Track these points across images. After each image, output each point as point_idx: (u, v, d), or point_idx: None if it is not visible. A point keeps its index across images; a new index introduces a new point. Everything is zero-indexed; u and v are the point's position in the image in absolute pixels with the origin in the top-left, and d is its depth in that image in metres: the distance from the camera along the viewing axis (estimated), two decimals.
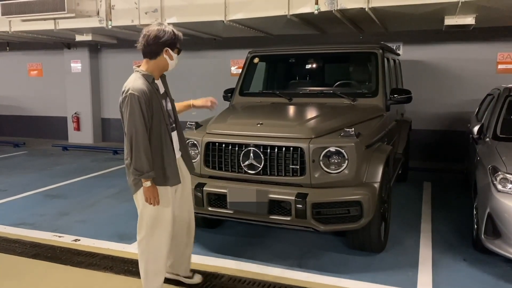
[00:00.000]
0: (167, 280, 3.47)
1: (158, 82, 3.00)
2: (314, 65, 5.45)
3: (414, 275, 3.63)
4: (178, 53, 2.98)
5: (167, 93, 3.09)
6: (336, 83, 5.10)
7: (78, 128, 10.91)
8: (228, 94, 5.40)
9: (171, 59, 2.95)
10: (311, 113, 4.29)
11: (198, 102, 3.45)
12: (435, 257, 3.96)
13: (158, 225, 3.06)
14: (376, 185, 3.66)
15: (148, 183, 2.86)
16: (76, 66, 10.78)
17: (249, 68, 5.39)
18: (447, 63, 7.97)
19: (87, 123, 10.87)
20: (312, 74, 5.54)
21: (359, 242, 3.93)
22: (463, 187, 6.40)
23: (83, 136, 10.88)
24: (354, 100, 4.67)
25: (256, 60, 5.38)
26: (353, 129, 3.64)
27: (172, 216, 3.08)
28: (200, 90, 9.30)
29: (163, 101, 2.99)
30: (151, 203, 2.92)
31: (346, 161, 3.54)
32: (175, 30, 2.93)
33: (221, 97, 6.71)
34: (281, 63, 5.75)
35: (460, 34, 7.59)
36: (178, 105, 3.31)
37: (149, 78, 2.89)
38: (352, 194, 3.52)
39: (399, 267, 3.77)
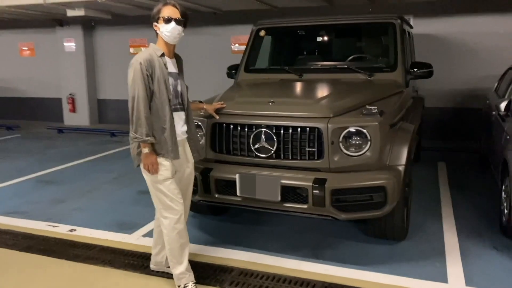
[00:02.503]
0: (157, 274, 3.25)
1: (172, 62, 3.00)
2: (325, 38, 5.05)
3: (442, 266, 3.32)
4: (166, 22, 2.87)
5: (179, 75, 3.03)
6: (350, 58, 4.69)
7: (73, 110, 10.52)
8: (233, 70, 5.00)
9: (159, 30, 2.90)
10: (326, 90, 3.91)
11: (210, 107, 3.52)
12: (462, 245, 3.65)
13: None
14: (401, 168, 3.32)
15: (146, 150, 2.82)
16: (70, 45, 10.31)
17: (255, 42, 4.98)
18: (460, 37, 7.55)
19: (83, 104, 10.47)
20: (323, 48, 5.14)
21: (381, 230, 3.61)
22: (479, 167, 6.08)
23: (79, 118, 10.49)
24: (371, 75, 4.29)
25: (262, 33, 4.96)
26: (376, 106, 3.27)
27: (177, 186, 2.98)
28: (199, 70, 8.89)
29: (171, 79, 2.93)
30: (149, 171, 2.85)
31: (369, 142, 3.19)
32: (165, 1, 2.93)
33: (221, 78, 6.43)
34: (289, 37, 5.33)
35: (474, 4, 7.15)
36: (193, 105, 3.32)
37: (157, 51, 2.90)
38: (375, 179, 3.17)
39: (425, 257, 3.46)
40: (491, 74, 7.11)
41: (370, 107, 3.28)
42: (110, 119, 10.54)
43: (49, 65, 10.81)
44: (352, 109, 3.39)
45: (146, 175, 2.97)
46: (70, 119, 10.57)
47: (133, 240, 3.87)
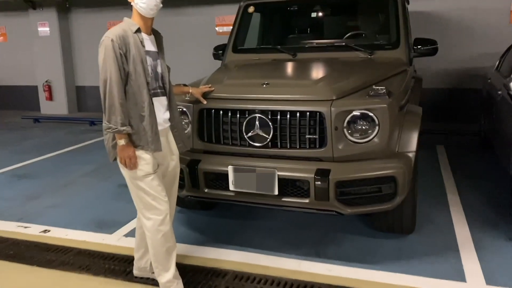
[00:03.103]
0: (141, 281, 2.90)
1: (150, 39, 2.61)
2: (320, 14, 4.64)
3: (457, 262, 3.01)
4: None
5: (158, 54, 2.65)
6: (348, 35, 4.30)
7: (50, 98, 9.95)
8: (219, 51, 4.58)
9: (133, 1, 2.52)
10: (325, 69, 3.53)
11: (197, 91, 3.11)
12: (475, 237, 3.35)
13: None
14: (411, 155, 2.98)
15: (122, 141, 2.45)
16: (44, 29, 9.70)
17: (243, 20, 4.56)
18: (455, 14, 7.20)
19: (60, 92, 9.90)
20: (318, 25, 4.73)
21: (388, 223, 3.29)
22: (480, 150, 5.81)
23: (57, 106, 9.93)
24: (372, 53, 3.92)
25: (251, 9, 4.54)
26: (384, 87, 2.91)
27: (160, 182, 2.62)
28: (180, 54, 8.41)
29: (150, 59, 2.55)
30: (127, 166, 2.49)
31: (377, 127, 2.83)
32: None
33: (205, 62, 6.02)
34: (280, 13, 4.90)
35: None
36: (176, 88, 2.97)
37: (132, 26, 2.52)
38: (384, 168, 2.83)
39: (437, 252, 3.15)
40: (489, 52, 6.81)
41: (377, 87, 2.92)
42: (89, 107, 10.01)
43: (22, 51, 10.20)
44: (356, 90, 3.02)
45: (123, 171, 2.58)
46: (47, 108, 10.01)
47: (114, 241, 3.48)
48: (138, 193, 2.57)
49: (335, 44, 4.20)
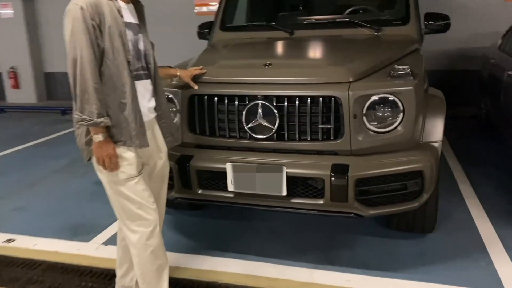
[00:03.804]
0: None
1: (129, 8, 2.11)
2: None
3: (488, 265, 2.66)
4: None
5: (140, 27, 2.15)
6: (350, 9, 3.84)
7: (16, 86, 9.17)
8: (205, 29, 4.06)
9: None
10: (334, 48, 3.09)
11: (186, 74, 2.62)
12: (500, 234, 3.00)
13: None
14: (437, 146, 2.58)
15: (99, 137, 1.95)
16: (6, 11, 8.89)
17: None
18: None
19: (28, 79, 9.13)
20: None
21: (407, 222, 2.90)
22: (481, 134, 5.50)
23: (24, 94, 9.17)
24: (378, 29, 3.47)
25: None
26: (407, 66, 2.49)
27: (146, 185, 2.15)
28: (155, 35, 7.80)
29: (130, 33, 2.06)
30: (106, 168, 2.00)
31: (401, 114, 2.41)
32: None
33: (183, 44, 5.47)
34: None
35: None
36: (162, 71, 2.44)
37: None
38: (410, 162, 2.42)
39: (463, 254, 2.79)
40: (486, 32, 6.49)
41: (399, 66, 2.49)
42: (60, 94, 9.28)
43: None
44: (374, 71, 2.58)
45: (101, 174, 2.09)
46: (13, 97, 9.23)
47: (92, 251, 3.00)
48: (120, 201, 2.09)
49: (337, 20, 3.73)
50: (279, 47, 3.28)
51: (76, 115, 1.92)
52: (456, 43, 6.90)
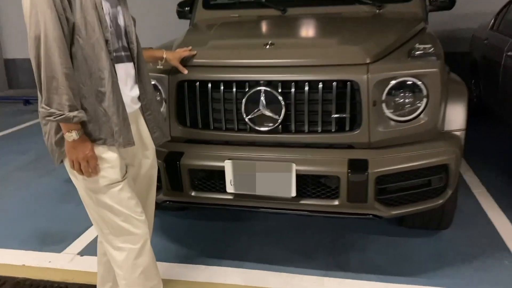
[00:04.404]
0: None
1: None
2: None
3: None
4: None
5: (120, 1, 1.75)
6: None
7: None
8: (186, 8, 3.64)
9: None
10: (337, 26, 2.73)
11: (173, 56, 2.22)
12: None
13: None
14: (461, 135, 2.31)
15: (73, 135, 1.56)
16: None
17: None
18: None
19: None
20: None
21: (423, 219, 2.62)
22: (471, 117, 5.31)
23: None
24: (380, 6, 3.15)
25: None
26: (430, 45, 2.18)
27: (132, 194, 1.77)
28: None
29: (107, 5, 1.66)
30: (83, 173, 1.63)
31: (425, 100, 2.11)
32: None
33: (161, 25, 5.05)
34: None
35: None
36: (145, 52, 2.01)
37: None
38: (435, 154, 2.13)
39: (484, 252, 2.53)
40: (472, 12, 6.32)
41: (421, 45, 2.18)
42: (23, 83, 8.62)
43: None
44: (390, 51, 2.26)
45: (76, 180, 1.71)
46: None
47: (65, 263, 2.59)
48: (101, 213, 1.71)
49: None
50: (277, 25, 2.91)
51: (42, 108, 1.52)
52: (442, 25, 6.69)
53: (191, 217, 3.08)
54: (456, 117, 2.31)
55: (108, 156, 1.67)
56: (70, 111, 1.52)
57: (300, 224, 2.91)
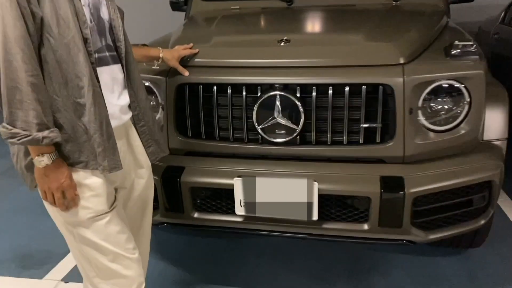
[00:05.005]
0: None
1: None
2: None
3: None
4: None
5: None
6: None
7: None
8: None
9: None
10: (359, 21, 2.42)
11: (171, 55, 1.89)
12: None
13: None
14: (502, 145, 2.02)
15: (44, 160, 1.25)
16: None
17: None
18: None
19: None
20: None
21: (455, 238, 2.32)
22: None
23: None
24: None
25: None
26: (471, 42, 1.88)
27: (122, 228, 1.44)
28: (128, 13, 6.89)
29: (89, 2, 1.34)
30: (59, 205, 1.32)
31: (467, 106, 1.81)
32: None
33: (151, 18, 4.78)
34: None
35: None
36: (137, 51, 1.71)
37: None
38: (478, 170, 1.84)
39: None
40: (477, 5, 6.05)
41: (461, 42, 1.87)
42: None
43: None
44: (423, 49, 1.96)
45: (52, 210, 1.38)
46: None
47: None
48: (84, 251, 1.39)
49: None
50: (287, 18, 2.57)
51: (3, 128, 1.18)
52: None
53: (187, 233, 2.76)
54: (496, 124, 2.02)
55: (91, 182, 1.34)
56: (38, 130, 1.18)
57: (313, 241, 2.61)
